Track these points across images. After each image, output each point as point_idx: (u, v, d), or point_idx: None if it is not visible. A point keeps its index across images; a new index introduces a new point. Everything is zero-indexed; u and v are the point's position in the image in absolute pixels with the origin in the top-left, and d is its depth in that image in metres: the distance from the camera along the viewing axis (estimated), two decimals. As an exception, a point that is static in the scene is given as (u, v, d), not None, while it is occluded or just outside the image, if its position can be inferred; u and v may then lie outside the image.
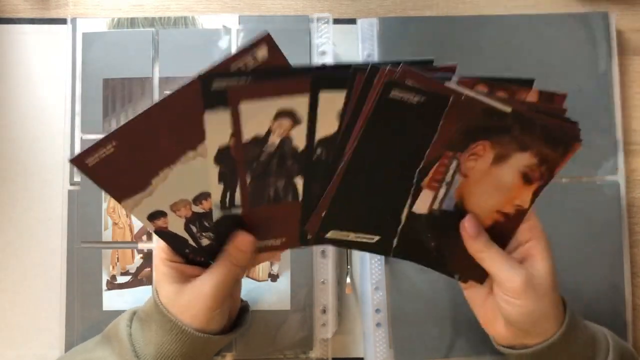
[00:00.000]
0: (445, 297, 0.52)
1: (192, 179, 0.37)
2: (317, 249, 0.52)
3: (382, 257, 0.53)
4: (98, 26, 0.55)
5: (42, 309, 0.54)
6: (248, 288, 0.52)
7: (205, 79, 0.33)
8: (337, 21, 0.56)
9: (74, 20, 0.55)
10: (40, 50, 0.57)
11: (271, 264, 0.53)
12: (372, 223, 0.41)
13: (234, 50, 0.54)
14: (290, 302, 0.52)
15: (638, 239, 0.55)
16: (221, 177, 0.37)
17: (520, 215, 0.40)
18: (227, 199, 0.39)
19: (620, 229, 0.53)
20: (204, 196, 0.39)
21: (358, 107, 0.35)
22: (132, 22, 0.55)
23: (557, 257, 0.52)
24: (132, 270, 0.53)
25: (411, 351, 0.52)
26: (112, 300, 0.52)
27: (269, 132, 0.36)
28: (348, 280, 0.54)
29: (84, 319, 0.52)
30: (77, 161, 0.34)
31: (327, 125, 0.36)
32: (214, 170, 0.37)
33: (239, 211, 0.40)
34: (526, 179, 0.38)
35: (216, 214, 0.39)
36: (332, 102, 0.35)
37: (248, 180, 0.38)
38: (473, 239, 0.40)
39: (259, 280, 0.53)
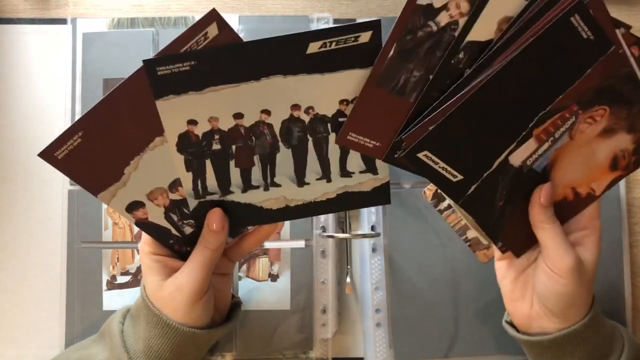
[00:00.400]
0: (445, 297, 0.52)
1: (164, 165, 0.37)
2: (317, 249, 0.52)
3: (382, 257, 0.53)
4: (98, 26, 0.55)
5: (42, 309, 0.54)
6: (248, 288, 0.52)
7: (149, 66, 0.32)
8: (337, 21, 0.56)
9: (74, 21, 0.55)
10: (40, 50, 0.57)
11: (271, 264, 0.53)
12: (466, 160, 0.39)
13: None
14: (290, 302, 0.52)
15: (638, 239, 0.55)
16: (188, 165, 0.37)
17: (588, 199, 0.41)
18: (200, 187, 0.38)
19: (620, 229, 0.53)
20: (178, 183, 0.38)
21: (530, 21, 0.35)
22: (132, 22, 0.55)
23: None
24: (132, 270, 0.53)
25: (411, 351, 0.52)
26: (112, 300, 0.52)
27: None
28: (348, 280, 0.54)
29: (84, 319, 0.52)
30: (46, 154, 0.34)
31: (485, 29, 0.35)
32: (179, 159, 0.36)
33: (215, 197, 0.39)
34: (614, 163, 0.40)
35: (192, 203, 0.39)
36: (503, 5, 0.35)
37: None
38: (542, 208, 0.40)
39: (259, 280, 0.53)
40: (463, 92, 0.36)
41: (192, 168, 0.37)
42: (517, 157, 0.39)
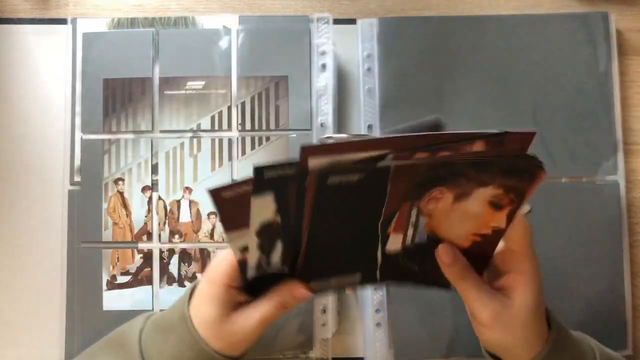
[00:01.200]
0: (445, 297, 0.52)
1: None
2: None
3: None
4: (98, 26, 0.55)
5: (42, 309, 0.54)
6: (248, 288, 0.52)
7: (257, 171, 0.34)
8: (337, 21, 0.56)
9: (74, 21, 0.55)
10: (40, 50, 0.57)
11: (271, 264, 0.53)
12: (349, 266, 0.41)
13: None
14: (290, 302, 0.52)
15: (638, 239, 0.55)
16: (260, 246, 0.38)
17: (498, 234, 0.39)
18: (264, 263, 0.40)
19: (620, 229, 0.53)
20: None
21: (299, 202, 0.35)
22: (132, 22, 0.55)
23: (557, 257, 0.53)
24: (132, 270, 0.53)
25: (411, 351, 0.52)
26: (112, 300, 0.52)
27: None
28: (348, 280, 0.54)
29: (84, 319, 0.52)
30: (215, 192, 0.35)
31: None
32: (253, 241, 0.38)
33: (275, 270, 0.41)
34: (495, 206, 0.38)
35: (250, 273, 0.40)
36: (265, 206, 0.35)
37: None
38: (449, 267, 0.40)
39: (259, 280, 0.53)
40: (302, 245, 0.38)
41: (262, 249, 0.39)
42: (393, 247, 0.40)
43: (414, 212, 0.38)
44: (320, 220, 0.37)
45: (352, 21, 0.56)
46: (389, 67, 0.54)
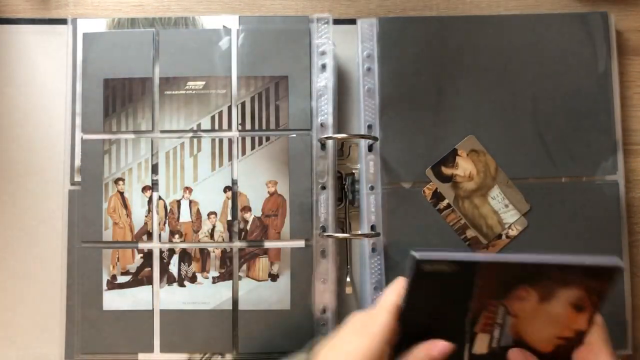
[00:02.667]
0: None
1: None
2: (317, 249, 0.52)
3: (382, 257, 0.53)
4: (98, 26, 0.55)
5: (42, 309, 0.54)
6: (248, 288, 0.52)
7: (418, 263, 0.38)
8: (337, 21, 0.56)
9: (74, 21, 0.55)
10: (40, 50, 0.57)
11: (271, 264, 0.53)
12: None
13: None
14: (290, 302, 0.52)
15: (638, 239, 0.55)
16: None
17: (580, 336, 0.40)
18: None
19: (620, 229, 0.53)
20: None
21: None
22: (133, 22, 0.55)
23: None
24: (133, 270, 0.53)
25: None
26: (112, 300, 0.52)
27: None
28: (348, 280, 0.54)
29: (84, 319, 0.52)
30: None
31: None
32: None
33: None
34: (578, 308, 0.39)
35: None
36: None
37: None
38: None
39: (259, 280, 0.53)
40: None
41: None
42: (480, 348, 0.41)
43: (500, 311, 0.39)
44: (413, 309, 0.39)
45: (352, 21, 0.56)
46: (389, 67, 0.54)
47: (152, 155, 0.54)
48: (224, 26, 0.55)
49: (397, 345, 0.40)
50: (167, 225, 0.53)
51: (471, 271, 0.38)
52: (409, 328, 0.40)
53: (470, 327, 0.40)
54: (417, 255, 0.37)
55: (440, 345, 0.40)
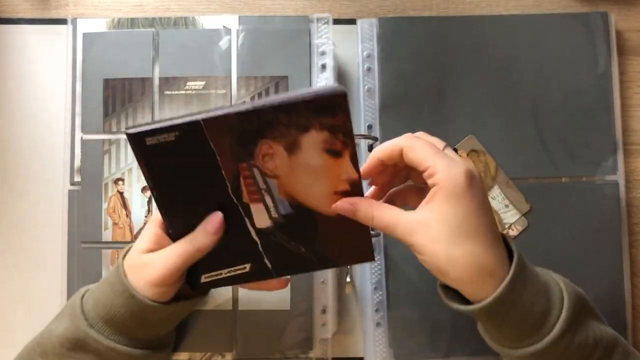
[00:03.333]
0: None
1: None
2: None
3: (382, 257, 0.53)
4: (98, 26, 0.55)
5: (42, 309, 0.54)
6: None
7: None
8: (337, 21, 0.56)
9: (74, 21, 0.55)
10: (40, 51, 0.57)
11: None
12: (233, 255, 0.42)
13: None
14: (290, 302, 0.52)
15: (638, 239, 0.55)
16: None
17: (357, 187, 0.39)
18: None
19: (620, 229, 0.53)
20: None
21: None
22: (133, 23, 0.55)
23: (557, 257, 0.53)
24: (132, 270, 0.53)
25: (411, 351, 0.52)
26: (112, 300, 0.52)
27: None
28: (348, 280, 0.54)
29: (84, 319, 0.52)
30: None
31: None
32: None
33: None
34: (333, 153, 0.38)
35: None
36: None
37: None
38: (355, 214, 0.39)
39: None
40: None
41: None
42: (261, 221, 0.40)
43: (257, 174, 0.38)
44: (167, 192, 0.39)
45: (352, 21, 0.56)
46: (389, 67, 0.54)
47: (152, 155, 0.54)
48: (224, 26, 0.55)
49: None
50: (167, 225, 0.53)
51: (198, 135, 0.37)
52: (176, 221, 0.40)
53: (239, 199, 0.39)
54: (130, 130, 0.36)
55: (211, 220, 0.40)
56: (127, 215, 0.53)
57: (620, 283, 0.53)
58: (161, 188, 0.39)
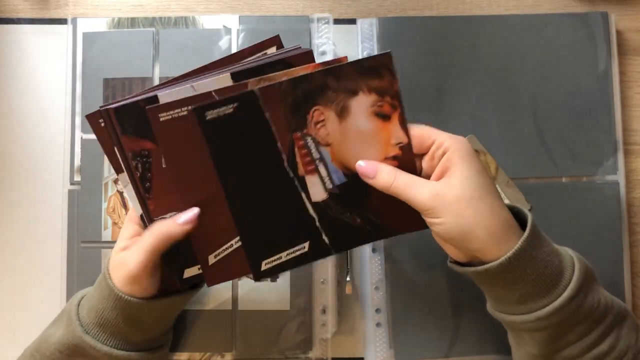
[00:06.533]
0: (445, 297, 0.52)
1: None
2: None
3: (382, 257, 0.53)
4: (98, 26, 0.55)
5: (42, 309, 0.54)
6: (247, 288, 0.52)
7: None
8: (337, 21, 0.56)
9: (74, 20, 0.55)
10: (40, 50, 0.57)
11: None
12: (291, 235, 0.42)
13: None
14: (289, 302, 0.52)
15: (638, 239, 0.55)
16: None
17: (408, 151, 0.40)
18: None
19: (620, 229, 0.53)
20: None
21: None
22: (133, 22, 0.55)
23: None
24: (132, 270, 0.53)
25: (411, 351, 0.52)
26: (112, 300, 0.52)
27: None
28: (348, 280, 0.54)
29: (84, 318, 0.52)
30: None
31: None
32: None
33: None
34: (382, 116, 0.39)
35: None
36: None
37: None
38: (377, 178, 0.39)
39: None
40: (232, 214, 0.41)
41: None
42: (317, 194, 0.41)
43: (310, 143, 0.39)
44: (227, 168, 0.39)
45: (352, 21, 0.56)
46: (389, 67, 0.54)
47: (152, 155, 0.54)
48: (224, 26, 0.55)
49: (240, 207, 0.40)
50: (167, 225, 0.53)
51: (253, 107, 0.37)
52: (233, 196, 0.39)
53: (294, 173, 0.39)
54: (192, 107, 0.36)
55: (185, 213, 0.40)
56: (127, 213, 0.53)
57: (620, 283, 0.53)
58: (221, 165, 0.39)
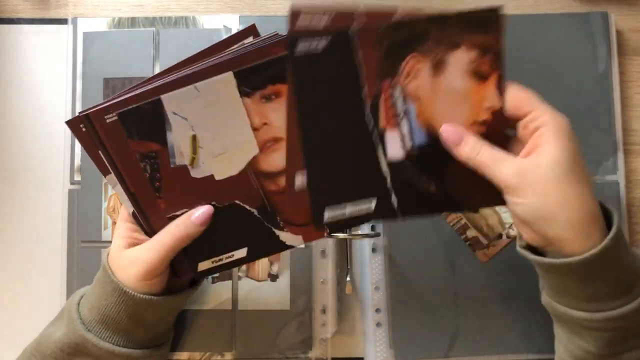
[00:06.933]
0: (445, 297, 0.52)
1: None
2: (317, 248, 0.52)
3: (382, 257, 0.52)
4: (98, 26, 0.55)
5: (42, 309, 0.54)
6: (247, 288, 0.52)
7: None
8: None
9: (74, 20, 0.55)
10: (40, 50, 0.57)
11: (271, 264, 0.52)
12: (360, 188, 0.39)
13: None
14: (289, 302, 0.52)
15: (638, 239, 0.55)
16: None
17: (499, 117, 0.37)
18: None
19: (621, 229, 0.53)
20: None
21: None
22: (133, 22, 0.55)
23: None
24: (132, 270, 0.53)
25: (411, 351, 0.52)
26: (111, 300, 0.52)
27: None
28: (348, 280, 0.54)
29: (84, 318, 0.52)
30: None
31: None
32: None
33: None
34: (479, 75, 0.36)
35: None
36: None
37: None
38: (459, 147, 0.37)
39: (258, 280, 0.53)
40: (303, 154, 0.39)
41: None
42: (395, 151, 0.38)
43: (398, 95, 0.37)
44: (307, 108, 0.37)
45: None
46: (389, 66, 0.54)
47: (152, 155, 0.54)
48: (224, 26, 0.55)
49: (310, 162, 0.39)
50: (167, 225, 0.53)
51: (346, 47, 0.35)
52: (308, 137, 0.38)
53: (375, 124, 0.37)
54: (285, 34, 0.35)
55: (200, 211, 0.40)
56: (127, 215, 0.53)
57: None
58: (302, 103, 0.37)
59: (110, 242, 0.52)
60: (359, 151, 0.38)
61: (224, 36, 0.54)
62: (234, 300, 0.52)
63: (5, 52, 0.57)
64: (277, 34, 0.39)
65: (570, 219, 0.35)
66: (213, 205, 0.41)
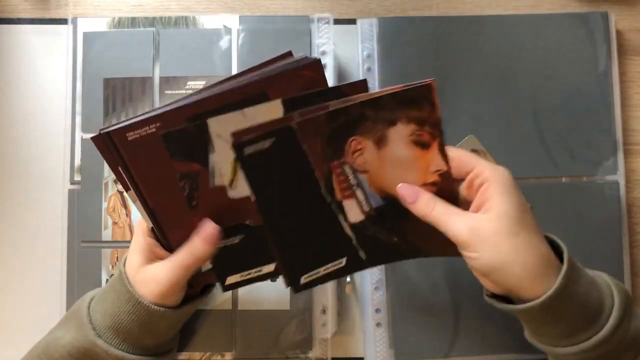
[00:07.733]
0: (445, 297, 0.52)
1: None
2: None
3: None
4: (98, 26, 0.55)
5: (42, 309, 0.54)
6: (247, 288, 0.52)
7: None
8: (337, 21, 0.56)
9: (74, 20, 0.55)
10: (40, 50, 0.57)
11: (271, 264, 0.52)
12: (329, 252, 0.42)
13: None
14: (289, 302, 0.52)
15: (638, 239, 0.55)
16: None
17: (447, 178, 0.39)
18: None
19: (620, 229, 0.53)
20: None
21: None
22: (133, 22, 0.55)
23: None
24: (132, 270, 0.53)
25: (411, 351, 0.52)
26: (112, 300, 0.52)
27: None
28: (348, 280, 0.54)
29: (84, 318, 0.52)
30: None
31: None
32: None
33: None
34: (421, 145, 0.38)
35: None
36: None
37: None
38: (414, 204, 0.39)
39: (259, 280, 0.53)
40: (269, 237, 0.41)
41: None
42: (355, 216, 0.41)
43: (348, 170, 0.39)
44: (266, 197, 0.39)
45: (352, 21, 0.56)
46: (389, 67, 0.54)
47: (152, 155, 0.54)
48: (224, 26, 0.55)
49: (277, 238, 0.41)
50: (167, 225, 0.53)
51: (291, 140, 0.37)
52: (272, 221, 0.40)
53: (332, 198, 0.40)
54: (232, 141, 0.36)
55: (206, 230, 0.40)
56: (127, 215, 0.53)
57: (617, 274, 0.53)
58: (260, 195, 0.39)
59: (109, 242, 0.53)
60: (322, 223, 0.41)
61: (224, 36, 0.54)
62: (234, 300, 0.52)
63: (5, 52, 0.57)
64: (306, 57, 0.39)
65: (524, 266, 0.37)
66: (247, 225, 0.41)
